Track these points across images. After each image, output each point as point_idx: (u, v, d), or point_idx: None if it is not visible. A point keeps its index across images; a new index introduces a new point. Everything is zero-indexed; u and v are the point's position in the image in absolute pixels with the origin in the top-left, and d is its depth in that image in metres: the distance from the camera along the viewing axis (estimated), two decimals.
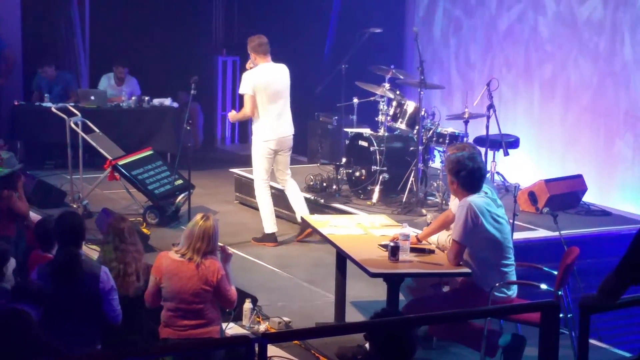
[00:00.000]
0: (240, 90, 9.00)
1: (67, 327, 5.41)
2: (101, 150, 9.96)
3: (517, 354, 6.08)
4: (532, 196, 9.26)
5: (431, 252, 6.33)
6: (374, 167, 9.62)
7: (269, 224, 9.03)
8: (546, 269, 6.50)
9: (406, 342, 4.14)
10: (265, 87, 8.86)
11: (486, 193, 6.22)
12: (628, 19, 10.10)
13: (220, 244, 5.98)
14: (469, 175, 6.15)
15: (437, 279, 6.63)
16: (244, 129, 14.46)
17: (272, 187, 9.17)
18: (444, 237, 6.57)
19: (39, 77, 12.43)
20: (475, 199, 6.11)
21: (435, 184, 9.65)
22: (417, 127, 9.47)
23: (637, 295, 5.08)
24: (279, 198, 9.41)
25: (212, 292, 5.73)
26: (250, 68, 9.00)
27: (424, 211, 9.09)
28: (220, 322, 5.94)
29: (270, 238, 9.04)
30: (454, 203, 6.42)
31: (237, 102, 14.33)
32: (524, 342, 6.10)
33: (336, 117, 11.31)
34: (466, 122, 9.70)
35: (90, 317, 5.47)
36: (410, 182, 9.47)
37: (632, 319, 6.97)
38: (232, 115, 9.49)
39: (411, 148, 9.71)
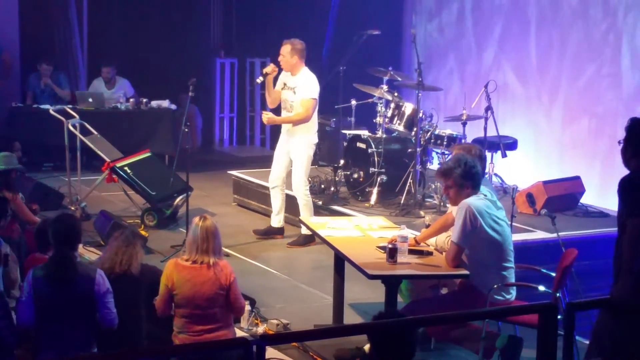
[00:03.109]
0: (313, 95, 8.80)
1: (62, 330, 5.39)
2: (99, 153, 9.95)
3: (514, 356, 6.09)
4: (530, 198, 9.26)
5: (429, 253, 6.33)
6: (372, 169, 9.62)
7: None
8: (544, 270, 6.50)
9: (406, 344, 4.13)
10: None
11: (485, 195, 6.22)
12: (628, 22, 10.12)
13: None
14: (463, 174, 6.15)
15: (436, 281, 6.63)
16: (241, 131, 14.46)
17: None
18: (442, 239, 6.58)
19: (32, 78, 12.41)
20: (474, 201, 6.10)
21: (433, 186, 9.65)
22: (415, 129, 9.48)
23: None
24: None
25: (224, 295, 5.76)
26: (269, 73, 8.87)
27: (422, 213, 9.09)
28: (233, 324, 5.96)
29: (312, 239, 8.94)
30: (453, 206, 6.41)
31: (236, 104, 14.35)
32: (521, 344, 6.10)
33: (334, 119, 11.30)
34: (464, 124, 9.71)
35: (85, 319, 5.44)
36: (408, 183, 9.47)
37: None
38: (276, 118, 9.00)
39: (409, 150, 9.71)
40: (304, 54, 8.88)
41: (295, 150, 8.99)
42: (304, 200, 9.04)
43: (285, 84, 8.96)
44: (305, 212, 8.99)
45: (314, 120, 8.98)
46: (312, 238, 8.85)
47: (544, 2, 11.02)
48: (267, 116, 8.97)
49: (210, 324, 5.73)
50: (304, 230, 8.92)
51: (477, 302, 6.04)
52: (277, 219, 9.25)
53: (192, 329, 5.74)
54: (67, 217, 5.86)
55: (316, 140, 9.07)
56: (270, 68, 8.93)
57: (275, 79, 9.05)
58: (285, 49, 8.84)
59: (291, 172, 9.11)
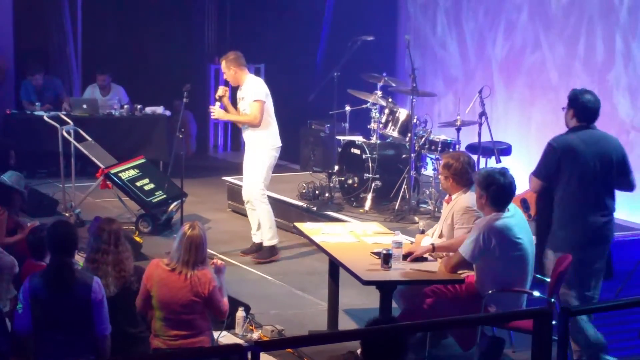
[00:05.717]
0: (257, 97, 8.67)
1: (59, 338, 5.38)
2: (93, 159, 9.94)
3: (495, 357, 6.10)
4: (524, 203, 9.26)
5: (424, 259, 6.33)
6: (366, 175, 9.63)
7: (274, 235, 8.83)
8: (538, 276, 6.50)
9: (397, 350, 4.11)
10: (269, 95, 8.83)
11: (508, 210, 6.16)
12: (624, 27, 10.14)
13: (216, 260, 5.97)
14: (499, 190, 6.11)
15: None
16: (236, 137, 14.44)
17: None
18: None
19: (25, 85, 12.37)
20: (495, 222, 6.04)
21: (427, 192, 9.66)
22: (409, 135, 9.49)
23: (622, 300, 5.12)
24: (272, 206, 9.37)
25: (202, 303, 5.70)
26: (222, 95, 8.79)
27: (416, 218, 9.10)
28: (211, 331, 5.92)
29: (275, 251, 8.87)
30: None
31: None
32: (502, 345, 6.13)
33: (328, 125, 11.32)
34: (458, 130, 9.71)
35: (83, 327, 5.42)
36: (402, 189, 9.48)
37: (625, 325, 6.98)
38: (225, 114, 8.97)
39: (403, 155, 9.72)
40: (240, 62, 8.76)
41: (252, 155, 8.83)
42: (260, 207, 8.75)
43: (239, 98, 8.89)
44: (265, 221, 8.74)
45: (270, 124, 8.76)
46: (275, 251, 8.80)
47: (541, 8, 11.03)
48: (214, 110, 8.88)
49: (186, 330, 5.70)
50: (257, 240, 8.87)
51: (474, 305, 6.04)
52: (258, 235, 8.98)
53: (167, 333, 5.71)
54: (63, 224, 5.84)
55: (278, 144, 8.84)
56: (221, 91, 8.84)
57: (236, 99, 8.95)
58: (223, 66, 8.79)
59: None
